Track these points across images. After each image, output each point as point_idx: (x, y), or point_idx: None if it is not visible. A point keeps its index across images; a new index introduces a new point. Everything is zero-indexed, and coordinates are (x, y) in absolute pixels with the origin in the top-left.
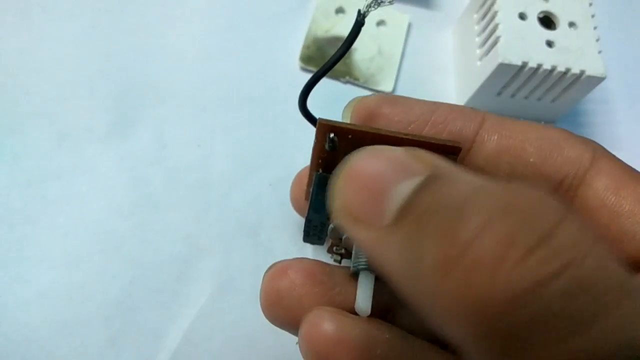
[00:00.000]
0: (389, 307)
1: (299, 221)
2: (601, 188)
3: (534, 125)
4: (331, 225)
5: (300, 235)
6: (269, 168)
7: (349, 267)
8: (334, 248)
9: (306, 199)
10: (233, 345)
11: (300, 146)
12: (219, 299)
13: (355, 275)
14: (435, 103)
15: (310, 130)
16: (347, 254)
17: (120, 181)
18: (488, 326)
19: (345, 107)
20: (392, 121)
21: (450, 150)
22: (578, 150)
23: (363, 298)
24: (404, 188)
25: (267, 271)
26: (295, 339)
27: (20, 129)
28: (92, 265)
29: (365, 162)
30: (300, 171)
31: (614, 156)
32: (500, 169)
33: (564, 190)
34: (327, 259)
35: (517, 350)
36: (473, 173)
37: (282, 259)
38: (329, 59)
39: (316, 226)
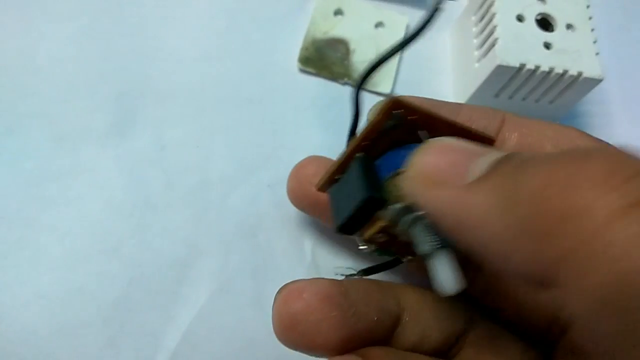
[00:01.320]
0: (394, 325)
1: (298, 222)
2: None
3: (550, 123)
4: (397, 205)
5: (299, 236)
6: (267, 169)
7: (359, 281)
8: (379, 235)
9: (321, 190)
10: (232, 346)
11: (298, 147)
12: (218, 300)
13: (425, 258)
14: (458, 104)
15: (310, 132)
16: (386, 244)
17: (119, 182)
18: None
19: (372, 109)
20: None
21: (486, 141)
22: (591, 146)
23: (446, 278)
24: (490, 156)
25: (279, 293)
26: None
27: (18, 130)
28: (90, 266)
29: (449, 140)
30: (299, 163)
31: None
32: None
33: None
34: (326, 259)
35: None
36: None
37: (280, 260)
38: (393, 46)
39: (368, 209)
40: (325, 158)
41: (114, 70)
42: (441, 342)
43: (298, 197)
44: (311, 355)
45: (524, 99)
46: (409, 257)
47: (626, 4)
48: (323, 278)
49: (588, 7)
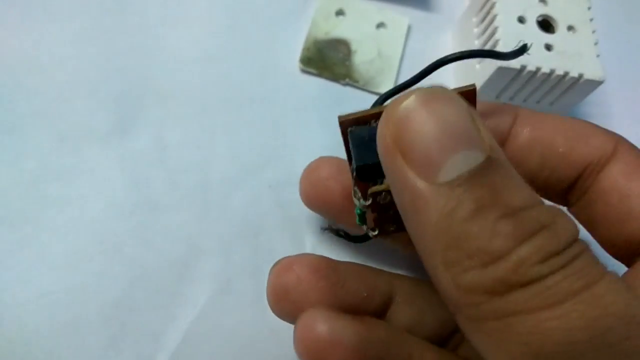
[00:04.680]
0: (386, 305)
1: (299, 223)
2: (615, 172)
3: (562, 117)
4: None
5: (300, 237)
6: (268, 170)
7: (352, 262)
8: (383, 195)
9: (344, 124)
10: (232, 346)
11: (299, 148)
12: (219, 300)
13: None
14: None
15: (311, 132)
16: (380, 208)
17: (120, 182)
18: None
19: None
20: None
21: (469, 95)
22: (602, 140)
23: None
24: (466, 159)
25: (273, 267)
26: None
27: (20, 129)
28: (92, 266)
29: (446, 105)
30: (310, 165)
31: (634, 146)
32: (532, 158)
33: (587, 176)
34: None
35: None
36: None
37: None
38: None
39: None
40: (336, 158)
41: (116, 70)
42: (437, 329)
43: (312, 200)
44: None
45: (524, 100)
46: (375, 233)
47: (627, 6)
48: (314, 254)
49: (589, 8)
